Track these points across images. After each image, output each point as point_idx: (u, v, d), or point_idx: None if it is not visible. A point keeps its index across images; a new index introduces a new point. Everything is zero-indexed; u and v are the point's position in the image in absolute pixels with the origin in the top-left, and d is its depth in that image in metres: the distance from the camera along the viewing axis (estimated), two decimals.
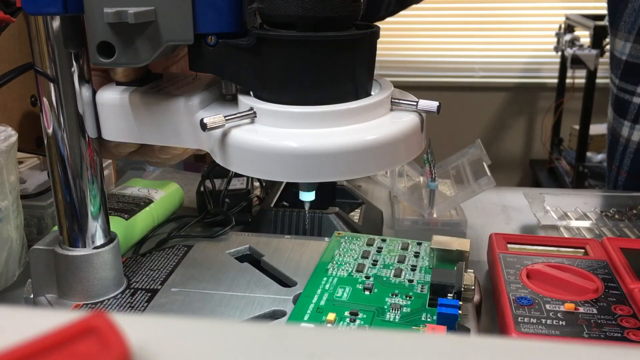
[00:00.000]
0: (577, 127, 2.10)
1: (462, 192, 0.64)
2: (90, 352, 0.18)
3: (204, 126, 0.35)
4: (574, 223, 0.66)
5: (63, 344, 0.18)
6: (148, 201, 0.60)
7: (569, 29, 2.15)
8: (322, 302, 0.45)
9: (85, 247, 0.45)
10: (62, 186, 0.43)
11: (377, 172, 0.37)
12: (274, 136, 0.36)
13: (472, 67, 2.54)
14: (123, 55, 0.35)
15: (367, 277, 0.48)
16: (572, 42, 2.04)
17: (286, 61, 0.36)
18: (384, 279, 0.48)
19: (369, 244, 0.54)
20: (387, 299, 0.45)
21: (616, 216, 0.67)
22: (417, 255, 0.52)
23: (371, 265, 0.50)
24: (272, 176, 0.37)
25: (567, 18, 2.18)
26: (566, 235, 0.64)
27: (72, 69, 0.41)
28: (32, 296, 0.47)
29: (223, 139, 0.37)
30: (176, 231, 0.59)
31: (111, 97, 0.41)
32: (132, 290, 0.48)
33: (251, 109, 0.37)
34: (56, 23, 0.39)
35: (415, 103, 0.39)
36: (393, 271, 0.49)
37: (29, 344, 0.17)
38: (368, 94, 0.39)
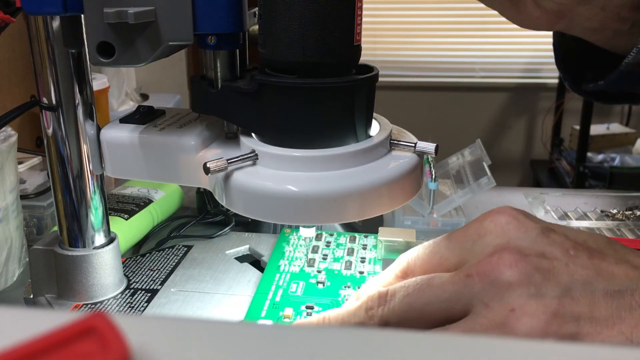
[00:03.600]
0: (577, 127, 2.10)
1: (462, 192, 0.64)
2: (90, 352, 0.18)
3: (207, 170, 0.35)
4: (574, 223, 0.66)
5: (63, 344, 0.18)
6: (148, 201, 0.60)
7: None
8: (278, 298, 0.46)
9: (85, 247, 0.45)
10: (62, 186, 0.43)
11: (376, 214, 0.38)
12: (276, 179, 0.36)
13: (472, 67, 2.53)
14: (123, 55, 0.35)
15: (319, 272, 0.50)
16: None
17: (287, 106, 0.36)
18: (335, 272, 0.50)
19: (317, 239, 0.55)
20: (340, 292, 0.47)
21: (616, 216, 0.67)
22: (364, 247, 0.54)
23: (322, 260, 0.52)
24: (274, 219, 0.37)
25: None
26: None
27: (72, 70, 0.41)
28: (32, 296, 0.47)
29: (225, 180, 0.37)
30: (176, 231, 0.59)
31: (114, 136, 0.41)
32: (132, 291, 0.48)
33: (253, 151, 0.37)
34: (56, 23, 0.39)
35: (413, 145, 0.39)
36: (343, 264, 0.51)
37: (29, 344, 0.17)
38: (368, 136, 0.39)
